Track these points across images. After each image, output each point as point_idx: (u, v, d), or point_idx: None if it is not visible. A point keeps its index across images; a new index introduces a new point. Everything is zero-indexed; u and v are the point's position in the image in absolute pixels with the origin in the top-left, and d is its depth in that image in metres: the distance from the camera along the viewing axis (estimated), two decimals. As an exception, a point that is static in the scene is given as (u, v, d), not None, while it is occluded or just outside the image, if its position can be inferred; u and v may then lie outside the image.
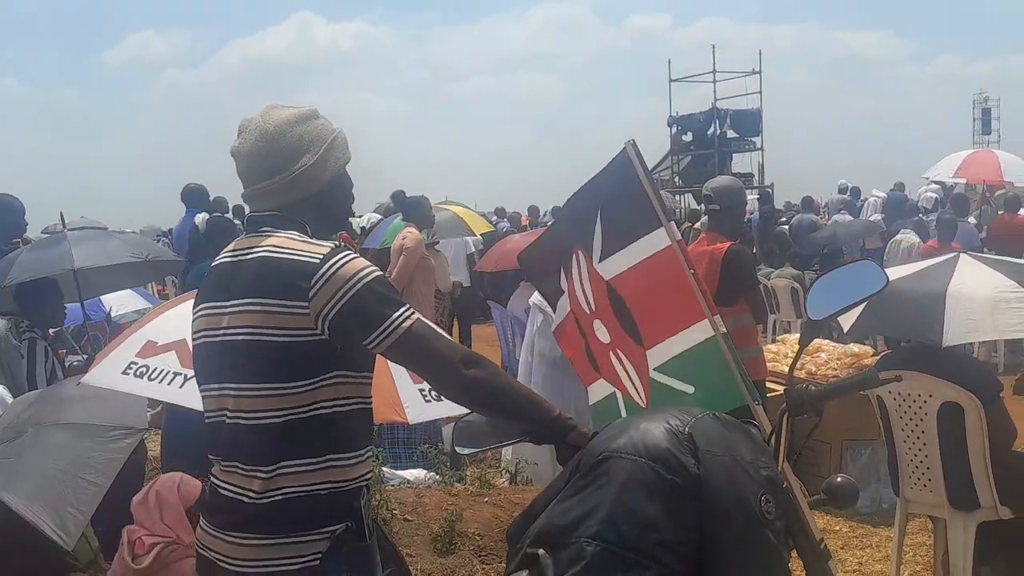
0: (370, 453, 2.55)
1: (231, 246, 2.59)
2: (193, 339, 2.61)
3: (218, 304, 2.49)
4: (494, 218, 19.91)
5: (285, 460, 2.38)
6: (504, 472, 6.58)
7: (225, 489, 2.47)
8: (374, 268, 2.43)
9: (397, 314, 2.37)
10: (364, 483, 2.51)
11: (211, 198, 11.20)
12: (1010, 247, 11.10)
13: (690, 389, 3.10)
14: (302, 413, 2.38)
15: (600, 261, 3.23)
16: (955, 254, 5.16)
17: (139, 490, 4.32)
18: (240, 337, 2.41)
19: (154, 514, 4.12)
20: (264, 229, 2.51)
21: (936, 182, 17.61)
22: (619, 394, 3.29)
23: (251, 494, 2.40)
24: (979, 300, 4.66)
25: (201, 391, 2.59)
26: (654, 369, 3.15)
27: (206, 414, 2.56)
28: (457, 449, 2.65)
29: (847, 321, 4.90)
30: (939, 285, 4.75)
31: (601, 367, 3.33)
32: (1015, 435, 4.87)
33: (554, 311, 3.61)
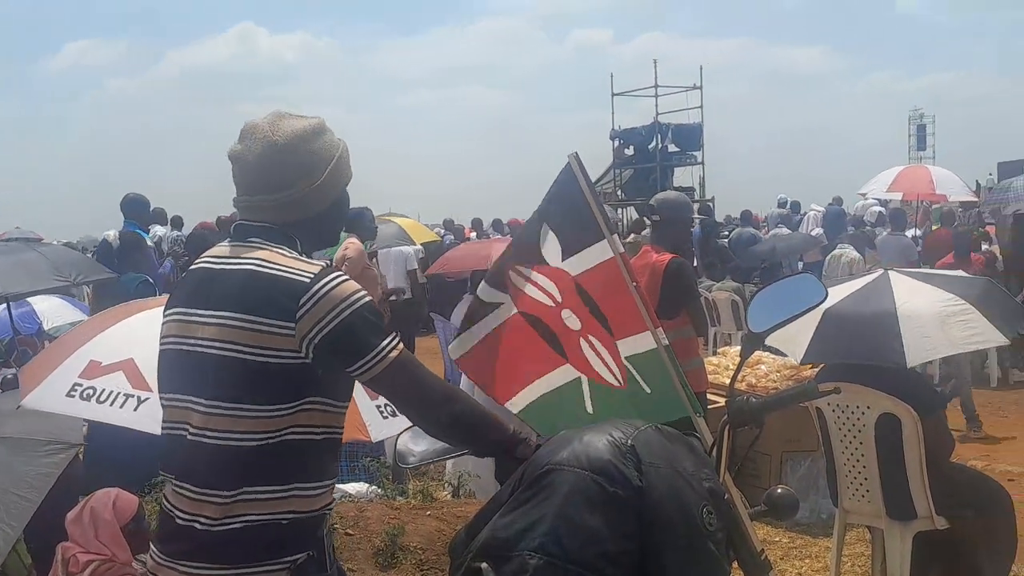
0: (334, 483, 2.48)
1: (212, 252, 2.49)
2: (161, 343, 2.48)
3: (194, 312, 2.39)
4: (440, 230, 19.89)
5: (248, 486, 2.29)
6: (446, 485, 6.55)
7: (178, 517, 2.36)
8: (364, 293, 2.35)
9: (385, 343, 2.31)
10: (327, 511, 2.43)
11: (151, 208, 11.01)
12: (943, 259, 11.35)
13: (648, 389, 3.11)
14: (273, 438, 2.30)
15: (563, 260, 3.23)
16: (881, 272, 5.21)
17: (74, 506, 4.22)
18: (217, 351, 2.31)
19: (88, 531, 4.03)
20: (253, 240, 2.42)
21: (874, 198, 17.95)
22: (585, 380, 3.27)
23: (203, 520, 2.30)
24: (928, 317, 4.72)
25: (163, 399, 2.47)
26: (625, 357, 3.15)
27: (164, 424, 2.46)
28: (400, 463, 2.63)
29: (798, 349, 4.93)
30: (887, 305, 4.79)
31: (568, 353, 3.31)
32: (952, 446, 4.96)
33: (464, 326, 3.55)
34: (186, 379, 2.39)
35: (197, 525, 2.31)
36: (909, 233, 14.80)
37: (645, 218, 12.02)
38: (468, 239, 18.07)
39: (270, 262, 2.34)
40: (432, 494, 6.05)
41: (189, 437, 2.35)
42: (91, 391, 3.91)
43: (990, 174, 25.16)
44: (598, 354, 3.22)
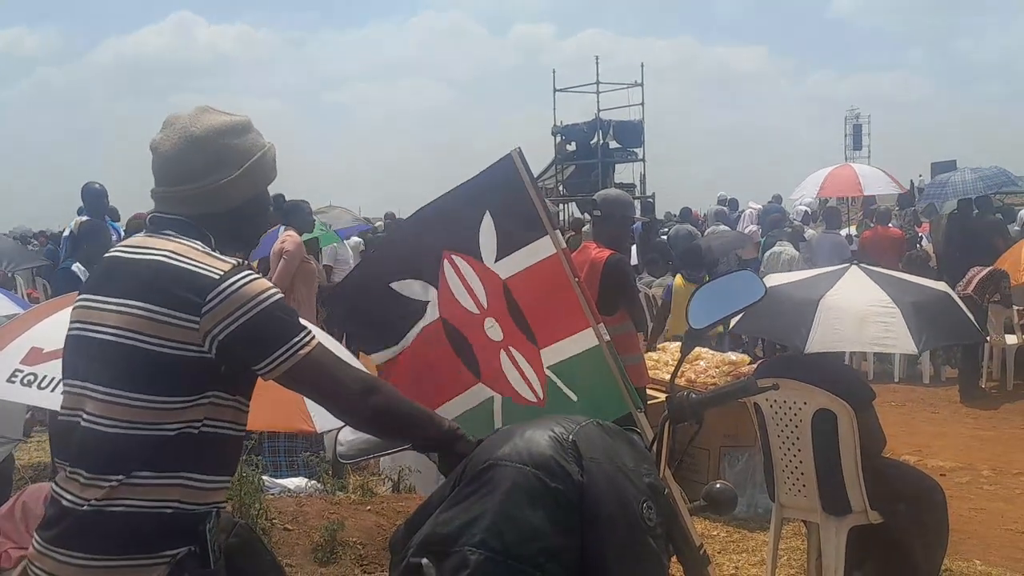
0: (228, 483, 2.45)
1: (126, 241, 2.48)
2: (68, 329, 2.45)
3: (100, 299, 2.36)
4: (380, 223, 19.79)
5: (137, 471, 2.26)
6: (386, 480, 6.53)
7: (63, 499, 2.32)
8: (275, 291, 2.33)
9: (295, 340, 2.29)
10: (215, 508, 2.39)
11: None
12: (880, 259, 11.54)
13: (574, 397, 3.10)
14: (168, 430, 2.27)
15: (496, 261, 3.20)
16: (847, 265, 5.34)
17: (6, 501, 4.14)
18: (118, 339, 2.28)
19: (20, 526, 3.95)
20: (166, 232, 2.39)
21: (805, 203, 18.24)
22: (498, 399, 3.25)
23: (89, 503, 2.26)
24: (850, 312, 4.84)
25: (64, 385, 2.43)
26: (548, 367, 3.14)
27: (61, 410, 2.42)
28: (340, 458, 2.62)
29: (734, 319, 5.06)
30: (816, 293, 4.96)
31: (483, 371, 3.28)
32: (884, 442, 5.04)
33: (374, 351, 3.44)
34: (85, 365, 2.36)
35: (82, 507, 2.27)
36: (844, 232, 15.00)
37: (585, 214, 12.07)
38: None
39: (180, 255, 2.33)
40: (372, 489, 6.03)
41: (83, 423, 2.32)
42: (32, 377, 3.86)
43: (920, 175, 25.68)
44: (518, 368, 3.20)
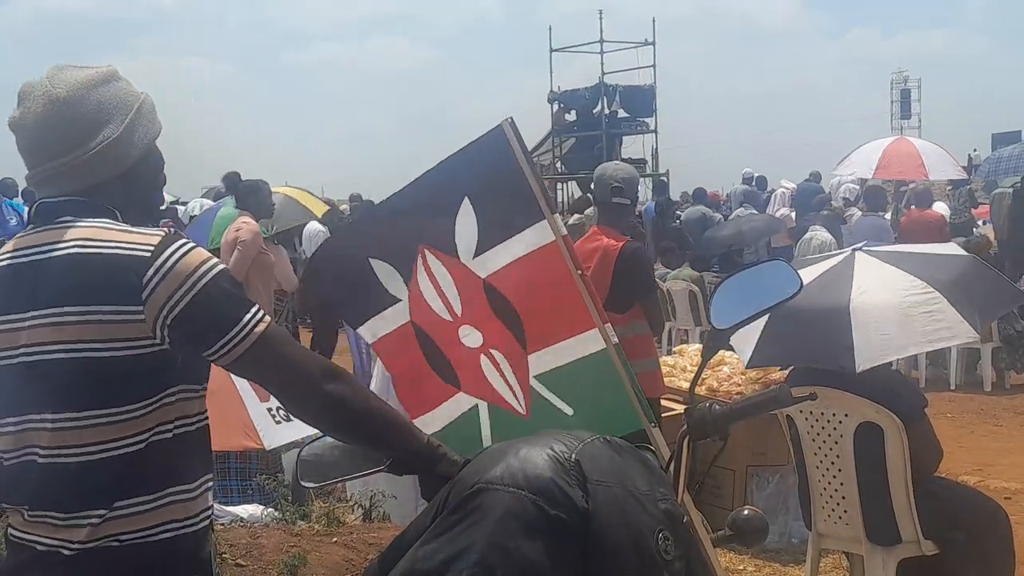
0: (211, 481, 2.45)
1: (10, 246, 2.40)
2: None
3: (11, 318, 2.31)
4: (346, 206, 19.75)
5: (120, 500, 2.26)
6: (356, 507, 6.52)
7: (38, 544, 2.30)
8: (217, 261, 2.32)
9: (248, 317, 2.29)
10: (207, 521, 2.41)
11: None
12: (919, 242, 11.56)
13: (569, 411, 3.10)
14: (140, 442, 2.27)
15: (475, 257, 3.20)
16: (849, 252, 5.26)
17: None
18: (53, 356, 2.25)
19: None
20: (63, 219, 2.34)
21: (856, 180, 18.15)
22: (484, 405, 3.25)
23: (72, 545, 2.25)
24: (887, 310, 4.73)
25: None
26: (534, 377, 3.14)
27: (3, 456, 2.37)
28: (301, 481, 2.61)
29: (748, 349, 4.99)
30: (840, 298, 4.83)
31: (462, 380, 3.29)
32: (940, 457, 5.03)
33: (359, 323, 3.49)
34: (19, 398, 2.32)
35: (64, 551, 2.26)
36: (888, 215, 15.02)
37: (591, 195, 12.07)
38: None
39: (94, 240, 2.30)
40: (339, 517, 6.01)
41: (40, 461, 2.29)
42: None
43: (975, 150, 25.75)
44: (500, 372, 3.20)
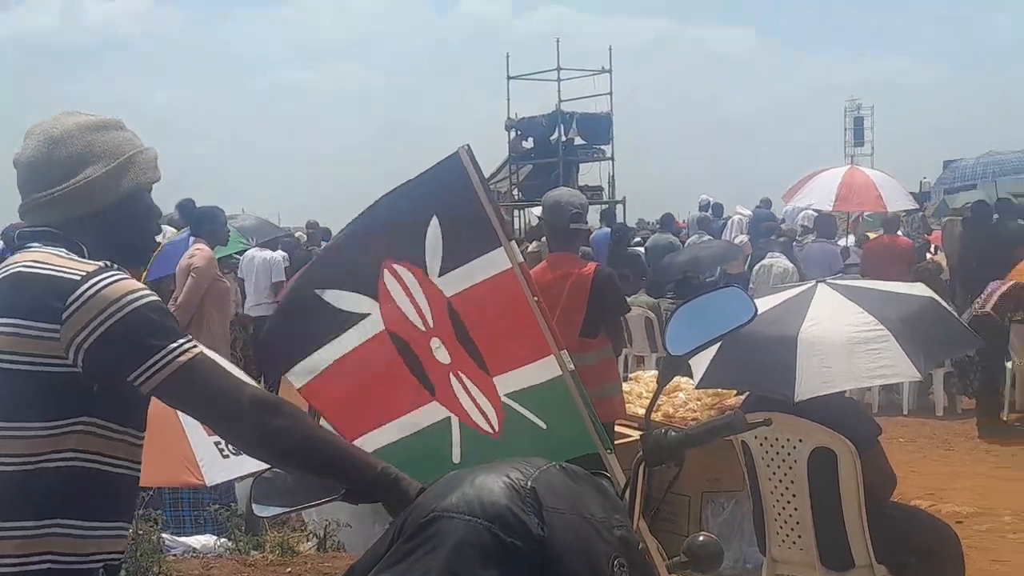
0: (122, 530, 2.44)
1: None
2: None
3: None
4: (302, 235, 19.69)
5: (7, 519, 2.26)
6: (310, 536, 6.47)
7: None
8: (147, 292, 2.36)
9: (173, 345, 2.30)
10: (99, 566, 2.37)
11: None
12: (888, 272, 11.68)
13: (543, 424, 3.11)
14: (36, 462, 2.28)
15: (440, 275, 3.20)
16: (813, 283, 5.30)
17: None
18: None
19: None
20: (31, 245, 2.44)
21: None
22: (455, 420, 3.26)
23: None
24: (834, 343, 4.76)
25: None
26: (504, 395, 3.15)
27: None
28: (255, 511, 2.59)
29: (698, 370, 5.01)
30: (791, 328, 4.86)
31: (437, 388, 3.29)
32: (894, 483, 5.08)
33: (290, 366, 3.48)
34: None
35: None
36: (842, 242, 15.16)
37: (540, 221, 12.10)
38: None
39: (40, 262, 2.38)
40: (293, 547, 5.97)
41: None
42: None
43: (925, 177, 26.06)
44: (470, 395, 3.20)
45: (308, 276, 3.65)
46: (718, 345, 4.66)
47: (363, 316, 3.31)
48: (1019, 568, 6.82)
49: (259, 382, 5.36)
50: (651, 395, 2.85)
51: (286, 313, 3.61)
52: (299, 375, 3.40)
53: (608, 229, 17.99)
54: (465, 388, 3.20)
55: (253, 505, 2.57)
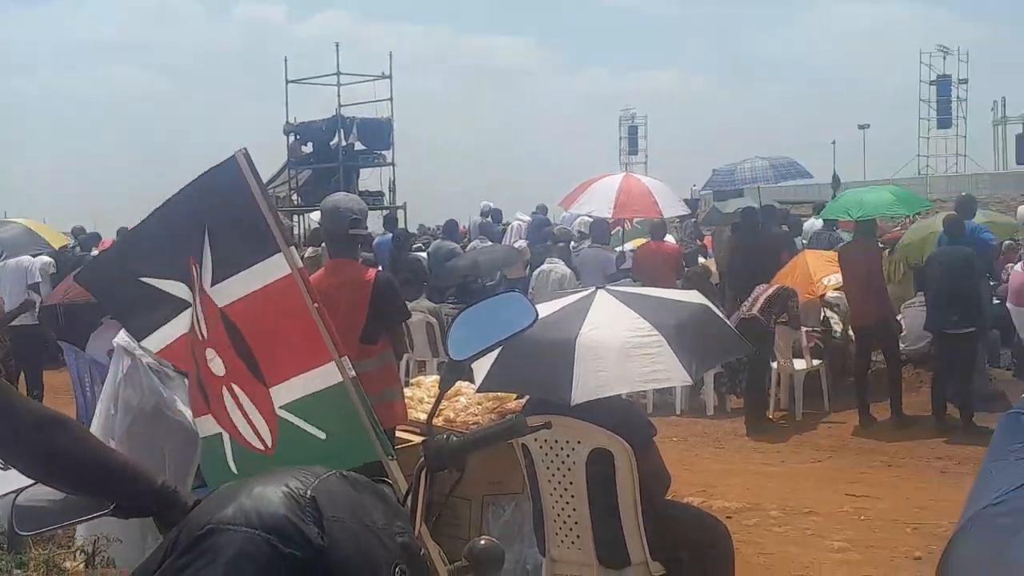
0: None
1: None
2: None
3: None
4: (71, 240, 18.98)
5: None
6: (78, 552, 6.22)
7: None
8: None
9: None
10: None
11: None
12: (656, 276, 12.06)
13: (322, 435, 3.07)
14: None
15: (212, 285, 3.14)
16: (593, 289, 5.42)
17: None
18: None
19: None
20: None
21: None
22: (226, 436, 3.20)
23: None
24: (610, 348, 4.88)
25: None
26: (280, 407, 3.10)
27: None
28: (18, 530, 2.47)
29: (479, 374, 5.05)
30: (570, 333, 4.96)
31: (211, 401, 3.23)
32: (668, 482, 5.22)
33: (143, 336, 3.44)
34: None
35: None
36: (619, 248, 15.54)
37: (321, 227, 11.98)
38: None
39: None
40: (60, 564, 5.74)
41: None
42: None
43: (695, 185, 27.07)
44: (242, 410, 3.17)
45: (125, 262, 3.52)
46: (500, 349, 4.76)
47: (186, 305, 3.26)
48: (784, 560, 7.12)
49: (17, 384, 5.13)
50: (433, 400, 2.85)
51: (116, 292, 3.50)
52: (152, 342, 3.34)
53: (390, 235, 17.95)
54: (237, 402, 3.15)
55: (15, 523, 2.45)
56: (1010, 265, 12.73)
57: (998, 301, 12.17)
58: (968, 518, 2.60)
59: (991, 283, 12.36)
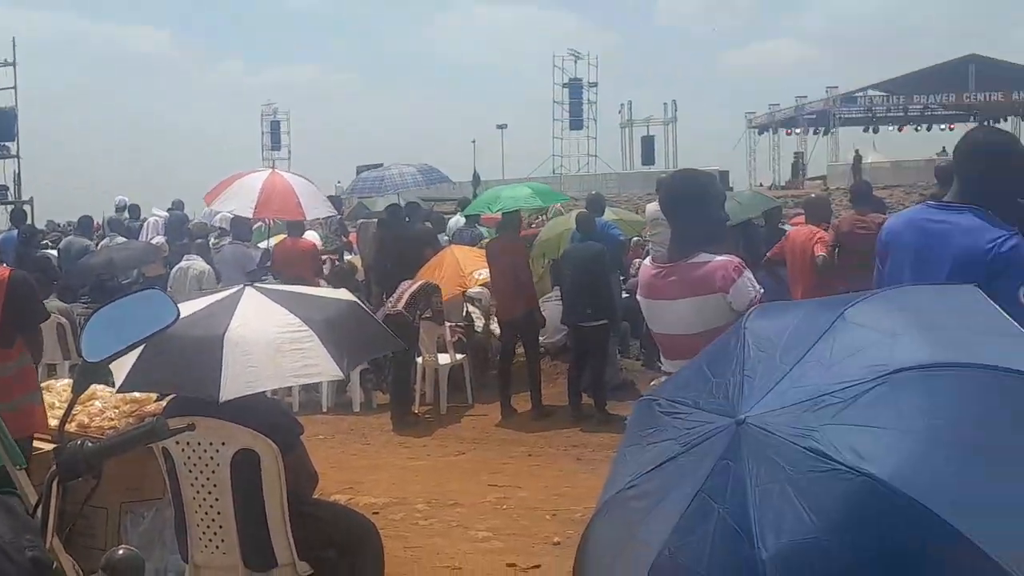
0: None
1: None
2: None
3: None
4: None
5: None
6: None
7: None
8: None
9: None
10: None
11: None
12: (294, 272, 12.07)
13: None
14: None
15: None
16: (241, 287, 5.35)
17: None
18: None
19: None
20: None
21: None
22: None
23: None
24: (260, 343, 4.83)
25: None
26: None
27: None
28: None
29: (120, 374, 4.85)
30: (217, 329, 4.87)
31: None
32: (316, 481, 5.21)
33: None
34: None
35: None
36: (263, 244, 15.35)
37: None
38: None
39: None
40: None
41: None
42: None
43: (339, 182, 27.25)
44: None
45: None
46: (141, 348, 4.60)
47: None
48: (430, 552, 7.25)
49: None
50: (65, 405, 2.72)
51: None
52: None
53: (16, 231, 16.96)
54: None
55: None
56: (638, 260, 13.52)
57: (627, 294, 12.87)
58: (604, 502, 2.74)
59: (620, 277, 13.11)
